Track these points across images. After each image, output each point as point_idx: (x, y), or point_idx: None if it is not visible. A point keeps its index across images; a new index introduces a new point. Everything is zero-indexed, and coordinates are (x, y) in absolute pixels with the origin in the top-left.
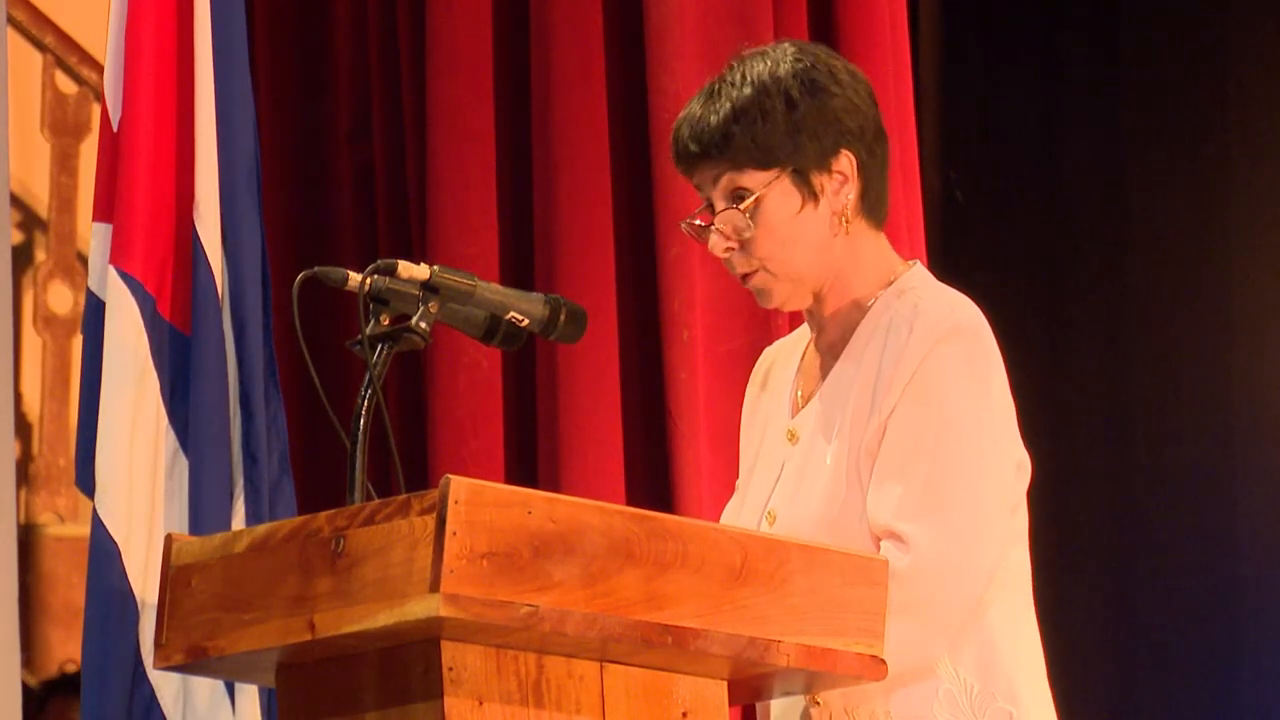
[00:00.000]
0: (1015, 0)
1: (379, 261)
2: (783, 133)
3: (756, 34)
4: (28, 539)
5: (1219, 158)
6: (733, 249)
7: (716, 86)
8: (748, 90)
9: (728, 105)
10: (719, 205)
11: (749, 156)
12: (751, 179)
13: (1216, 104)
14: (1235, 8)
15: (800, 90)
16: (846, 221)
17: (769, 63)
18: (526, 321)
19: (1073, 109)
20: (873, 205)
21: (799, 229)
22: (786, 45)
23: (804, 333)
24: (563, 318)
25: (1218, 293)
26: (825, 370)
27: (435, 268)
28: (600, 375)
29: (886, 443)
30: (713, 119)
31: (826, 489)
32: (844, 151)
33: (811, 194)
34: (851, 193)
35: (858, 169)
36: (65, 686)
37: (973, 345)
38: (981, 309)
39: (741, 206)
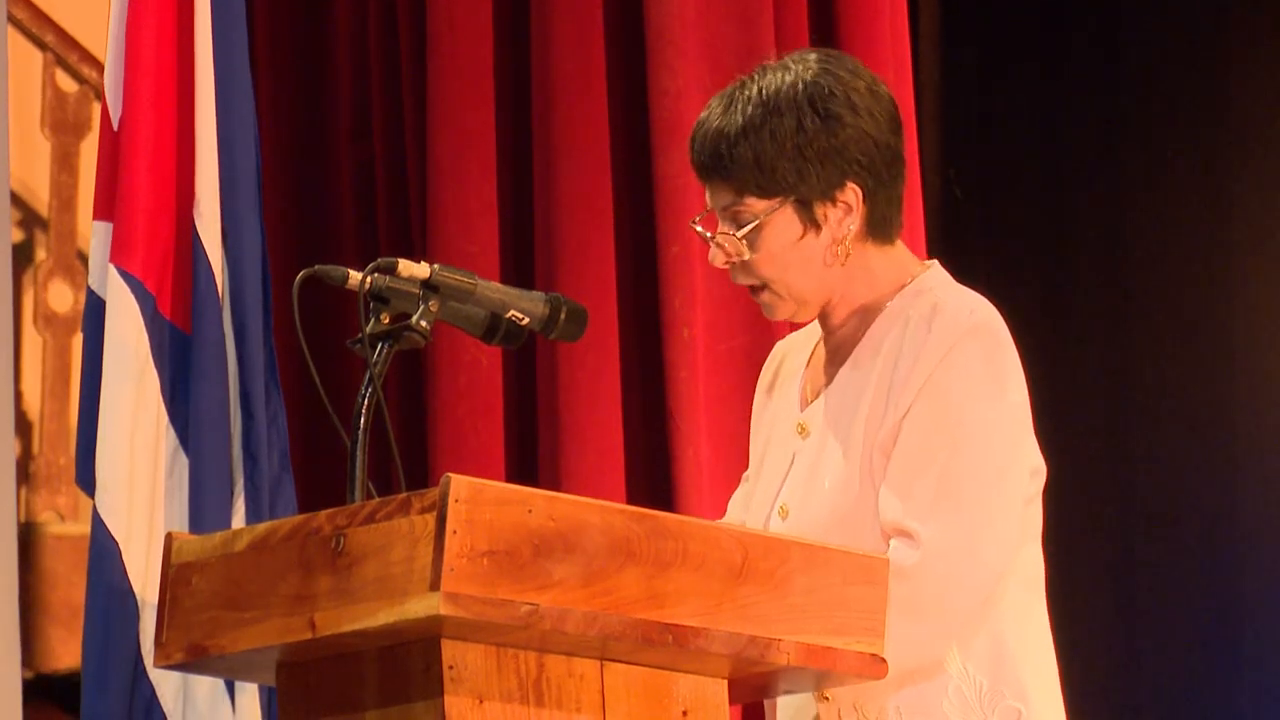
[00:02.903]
0: (1015, 0)
1: (379, 260)
2: (788, 160)
3: (757, 34)
4: (28, 537)
5: (1219, 157)
6: (732, 264)
7: (734, 96)
8: (759, 110)
9: (738, 121)
10: (721, 223)
11: (754, 182)
12: (754, 204)
13: (1217, 103)
14: (1235, 7)
15: (813, 117)
16: (847, 251)
17: (788, 79)
18: (527, 320)
19: (1073, 108)
20: (878, 227)
21: (799, 255)
22: (811, 59)
23: (815, 328)
24: (563, 316)
25: (1218, 291)
26: (838, 365)
27: (435, 266)
28: (600, 374)
29: (901, 441)
30: (721, 137)
31: (839, 484)
32: (850, 184)
33: (813, 223)
34: (854, 223)
35: (863, 198)
36: (39, 690)
37: (992, 346)
38: None
39: (740, 234)
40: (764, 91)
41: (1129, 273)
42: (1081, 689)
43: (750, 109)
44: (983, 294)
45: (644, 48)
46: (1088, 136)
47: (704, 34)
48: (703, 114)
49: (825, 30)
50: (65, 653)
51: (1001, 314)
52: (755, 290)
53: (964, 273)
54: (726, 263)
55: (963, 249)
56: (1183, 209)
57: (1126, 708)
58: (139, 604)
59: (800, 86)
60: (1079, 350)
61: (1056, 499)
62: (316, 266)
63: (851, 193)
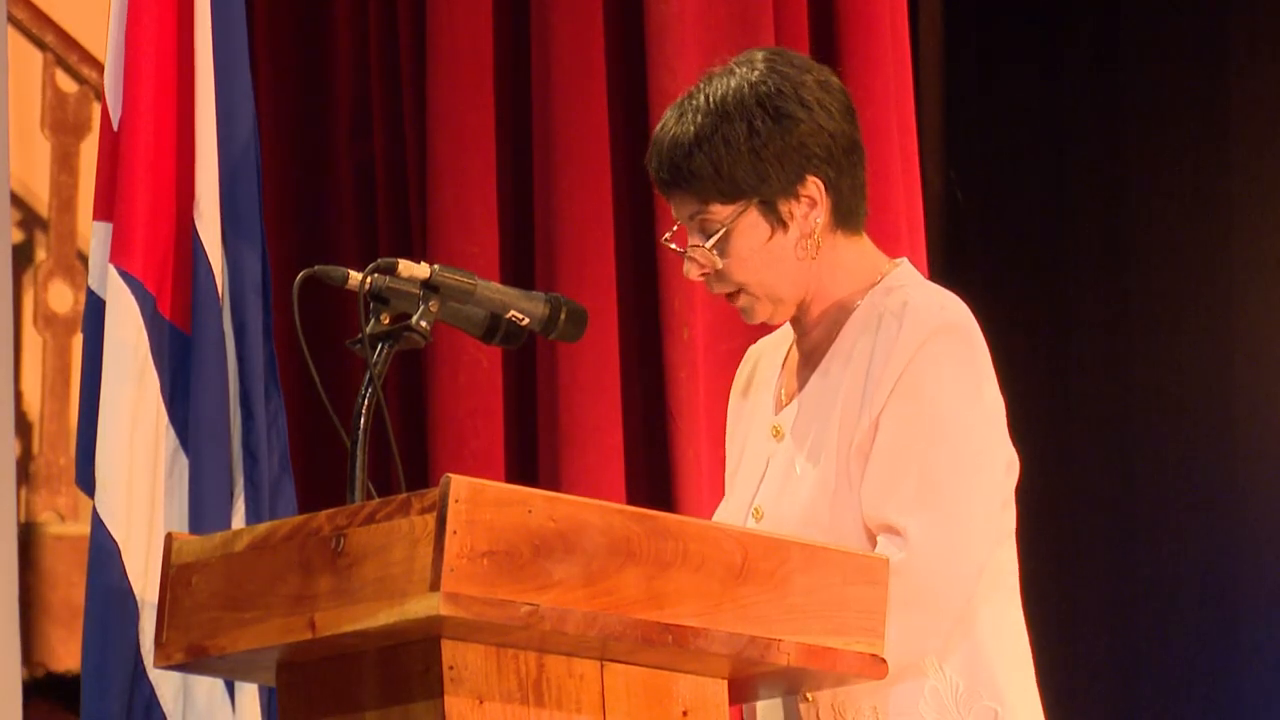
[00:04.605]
0: (1016, 1)
1: (379, 260)
2: (746, 164)
3: (757, 34)
4: (28, 538)
5: (1220, 156)
6: (707, 275)
7: (684, 107)
8: (709, 118)
9: (690, 132)
10: (690, 235)
11: (715, 189)
12: (719, 211)
13: (1217, 103)
14: (1235, 7)
15: (764, 118)
16: (817, 244)
17: (733, 83)
18: (527, 320)
19: (1073, 109)
20: (845, 217)
21: (770, 255)
22: (758, 59)
23: (788, 330)
24: (563, 317)
25: (1219, 292)
26: (811, 366)
27: (435, 266)
28: (600, 374)
29: (879, 440)
30: (677, 149)
31: (814, 485)
32: (810, 178)
33: (780, 221)
34: (820, 215)
35: (826, 190)
36: (40, 690)
37: (963, 343)
38: (981, 308)
39: (709, 244)
40: (711, 99)
41: (1129, 273)
42: (1080, 688)
43: (700, 118)
44: (983, 295)
45: (644, 48)
46: (1088, 137)
47: (704, 34)
48: (657, 128)
49: (825, 30)
50: (65, 653)
51: (1002, 314)
52: (732, 296)
53: (965, 274)
54: (701, 274)
55: (963, 251)
56: (1183, 209)
57: (1126, 705)
58: (139, 604)
59: (747, 88)
60: (1079, 350)
61: (1056, 499)
62: (316, 266)
63: (814, 186)
